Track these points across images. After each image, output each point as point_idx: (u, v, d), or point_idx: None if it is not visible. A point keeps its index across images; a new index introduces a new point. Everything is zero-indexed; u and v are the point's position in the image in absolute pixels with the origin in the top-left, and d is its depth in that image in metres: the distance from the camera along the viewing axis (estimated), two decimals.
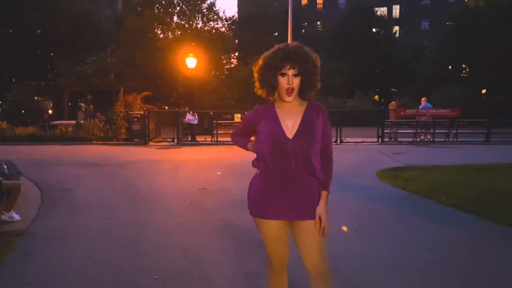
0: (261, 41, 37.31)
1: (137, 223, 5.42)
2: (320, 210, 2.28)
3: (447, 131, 16.59)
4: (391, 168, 9.89)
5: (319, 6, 53.05)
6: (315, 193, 2.30)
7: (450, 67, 34.41)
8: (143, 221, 5.51)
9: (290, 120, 2.28)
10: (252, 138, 2.57)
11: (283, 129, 2.25)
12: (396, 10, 55.27)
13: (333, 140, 7.18)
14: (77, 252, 4.34)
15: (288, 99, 2.23)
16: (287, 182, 2.27)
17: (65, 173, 9.41)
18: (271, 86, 2.26)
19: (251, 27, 37.65)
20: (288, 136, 2.23)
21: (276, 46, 2.26)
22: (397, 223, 5.36)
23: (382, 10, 49.22)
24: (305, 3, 48.91)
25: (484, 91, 32.07)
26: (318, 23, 45.08)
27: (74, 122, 20.01)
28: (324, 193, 2.31)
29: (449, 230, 5.04)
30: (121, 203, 6.60)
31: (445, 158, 11.87)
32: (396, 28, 49.14)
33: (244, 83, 30.26)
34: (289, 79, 2.19)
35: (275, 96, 2.31)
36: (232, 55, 36.79)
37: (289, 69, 2.18)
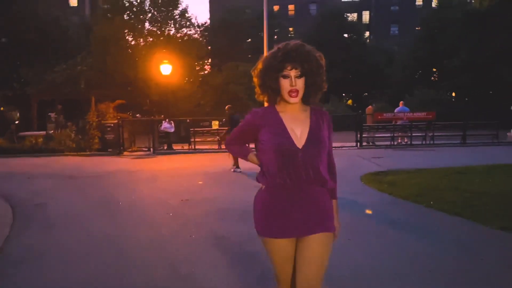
0: (234, 48, 37.25)
1: (119, 238, 5.10)
2: (336, 222, 2.20)
3: (424, 134, 16.79)
4: (374, 172, 9.83)
5: (291, 12, 53.44)
6: (326, 204, 2.14)
7: (421, 71, 35.11)
8: (125, 235, 5.20)
9: (298, 127, 2.09)
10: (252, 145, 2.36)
11: (291, 138, 2.05)
12: (366, 15, 56.23)
13: None
14: (55, 273, 4.01)
15: (293, 100, 2.04)
16: (298, 196, 2.07)
17: (37, 187, 8.94)
18: (273, 90, 2.07)
19: (224, 33, 37.49)
20: (297, 145, 2.04)
21: (275, 47, 2.08)
22: (390, 230, 5.22)
23: (352, 16, 49.97)
24: (277, 10, 49.13)
25: (453, 94, 32.85)
26: (291, 29, 45.31)
27: (44, 133, 19.28)
28: (335, 202, 2.22)
29: (443, 236, 4.94)
30: (99, 217, 6.24)
31: (424, 161, 11.94)
32: (367, 33, 49.96)
33: (219, 89, 30.04)
34: (291, 81, 2.01)
35: (278, 102, 2.13)
36: (206, 62, 36.47)
37: (290, 69, 2.01)
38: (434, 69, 34.73)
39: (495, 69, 26.52)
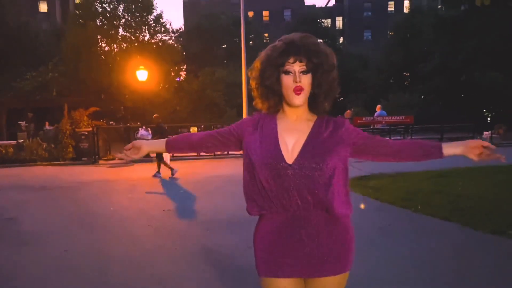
0: (210, 53, 37.02)
1: (99, 253, 4.80)
2: (474, 142, 1.68)
3: (402, 137, 16.94)
4: (357, 177, 9.75)
5: (266, 18, 53.57)
6: (341, 236, 1.69)
7: (395, 75, 35.67)
8: (105, 251, 4.90)
9: (292, 137, 1.66)
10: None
11: (280, 149, 1.63)
12: (339, 21, 56.90)
13: None
14: None
15: (297, 100, 1.63)
16: (298, 227, 1.65)
17: (7, 200, 8.48)
18: (274, 93, 1.67)
19: (199, 39, 37.20)
20: (287, 160, 1.61)
21: (276, 40, 1.72)
22: (381, 237, 5.10)
23: (326, 22, 50.47)
24: (252, 16, 49.18)
25: (427, 97, 33.43)
26: (266, 34, 45.39)
27: (14, 142, 18.54)
28: (441, 145, 1.70)
29: (435, 242, 4.85)
30: (76, 231, 5.91)
31: (405, 164, 11.89)
32: (341, 39, 50.54)
33: (196, 95, 29.71)
34: (296, 76, 1.61)
35: (279, 110, 1.74)
36: (181, 68, 36.10)
37: (293, 62, 1.61)
38: (407, 74, 35.30)
39: (467, 73, 27.13)
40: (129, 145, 1.89)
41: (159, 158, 11.44)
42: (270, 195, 1.63)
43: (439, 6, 32.56)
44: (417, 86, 31.61)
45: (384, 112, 17.89)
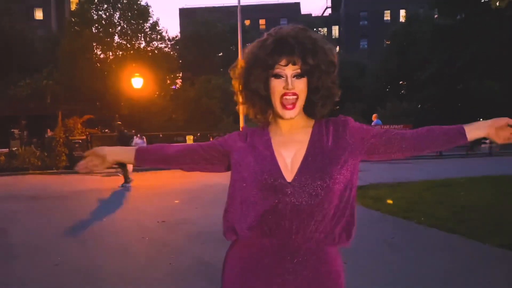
0: (206, 61, 36.96)
1: (91, 268, 4.57)
2: (500, 121, 1.42)
3: None
4: None
5: (262, 27, 53.61)
6: (328, 284, 1.39)
7: (392, 84, 35.71)
8: (98, 265, 4.67)
9: (290, 151, 1.39)
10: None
11: (278, 165, 1.36)
12: (335, 30, 57.10)
13: None
14: None
15: (288, 113, 1.35)
16: (281, 258, 1.36)
17: None
18: (260, 98, 1.39)
19: (195, 47, 37.15)
20: (286, 177, 1.34)
21: (265, 34, 1.42)
22: (386, 251, 4.90)
23: (323, 31, 50.61)
24: (249, 24, 49.25)
25: (423, 106, 33.46)
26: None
27: (6, 150, 18.26)
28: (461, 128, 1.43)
29: (442, 256, 4.65)
30: (68, 243, 5.67)
31: (403, 174, 11.81)
32: (337, 48, 50.68)
33: (192, 103, 29.55)
34: (287, 81, 1.33)
35: (269, 117, 1.44)
36: (177, 75, 35.99)
37: (286, 65, 1.33)
38: (403, 82, 35.36)
39: (464, 81, 27.16)
40: (89, 152, 1.54)
41: (122, 164, 10.75)
42: (260, 218, 1.33)
43: (436, 16, 32.68)
44: (414, 94, 31.64)
45: (380, 121, 17.77)
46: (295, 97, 1.34)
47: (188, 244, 5.42)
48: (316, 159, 1.34)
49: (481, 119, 20.24)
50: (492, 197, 7.53)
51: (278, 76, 1.34)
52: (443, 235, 5.46)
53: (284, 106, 1.35)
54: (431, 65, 29.08)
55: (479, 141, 17.72)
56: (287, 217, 1.31)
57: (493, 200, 7.29)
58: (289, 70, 1.33)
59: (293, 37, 1.34)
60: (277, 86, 1.34)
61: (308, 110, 1.43)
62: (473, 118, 28.99)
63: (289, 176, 1.33)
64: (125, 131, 11.20)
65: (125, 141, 11.10)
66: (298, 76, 1.34)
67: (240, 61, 1.43)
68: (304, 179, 1.32)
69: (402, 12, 50.77)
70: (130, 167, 11.31)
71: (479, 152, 16.88)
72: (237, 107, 1.52)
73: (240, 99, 1.46)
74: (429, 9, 32.72)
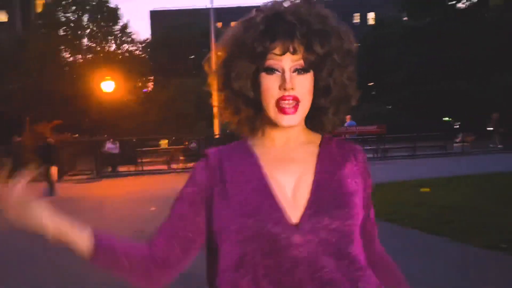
0: (178, 64, 36.53)
1: (67, 284, 4.29)
2: None
3: (375, 147, 16.99)
4: None
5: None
6: None
7: (362, 86, 36.20)
8: (73, 281, 4.39)
9: (288, 174, 0.98)
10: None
11: (274, 198, 0.94)
12: None
13: None
14: None
15: (287, 119, 0.95)
16: None
17: None
18: (246, 101, 1.00)
19: (167, 49, 36.68)
20: (290, 216, 0.92)
21: (254, 10, 1.02)
22: None
23: None
24: (221, 27, 49.08)
25: (393, 107, 34.06)
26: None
27: None
28: None
29: (433, 258, 4.59)
30: (39, 259, 5.34)
31: (379, 174, 11.72)
32: None
33: (165, 106, 29.12)
34: (284, 78, 0.93)
35: (258, 128, 1.04)
36: (149, 78, 35.48)
37: (281, 54, 0.93)
38: (372, 83, 35.92)
39: (433, 82, 27.77)
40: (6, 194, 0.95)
41: (47, 170, 9.66)
42: (256, 276, 0.91)
43: (405, 18, 33.35)
44: (385, 96, 32.17)
45: (354, 122, 17.97)
46: (295, 102, 0.93)
47: None
48: (329, 189, 0.95)
49: (449, 119, 20.76)
50: (470, 197, 7.59)
51: (271, 70, 0.93)
52: (427, 237, 5.44)
53: (281, 110, 0.93)
54: (402, 67, 29.65)
55: (451, 140, 18.11)
56: (299, 277, 0.90)
57: (472, 200, 7.34)
58: (287, 62, 0.93)
59: (292, 13, 0.94)
60: (269, 85, 0.93)
61: (314, 120, 1.03)
62: (442, 118, 29.61)
63: (294, 213, 0.92)
64: (49, 140, 9.84)
65: (49, 154, 9.62)
66: (300, 70, 0.94)
67: (218, 50, 1.02)
68: (317, 220, 0.91)
69: (371, 15, 51.68)
70: (55, 174, 10.30)
71: (452, 151, 17.22)
72: (214, 104, 1.09)
73: (218, 102, 1.04)
74: (398, 12, 33.38)
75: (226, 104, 1.03)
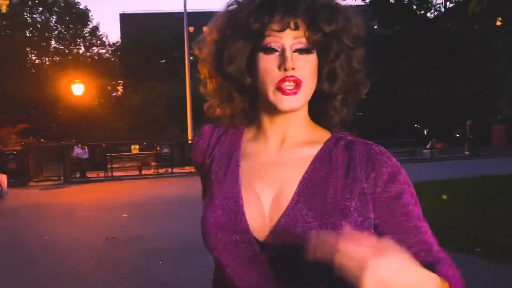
0: (149, 68, 36.12)
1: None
2: None
3: None
4: None
5: (201, 38, 53.48)
6: None
7: None
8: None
9: (271, 182, 0.86)
10: None
11: (242, 210, 0.84)
12: None
13: None
14: None
15: (288, 101, 0.81)
16: None
17: None
18: (241, 87, 0.88)
19: (138, 53, 36.22)
20: (256, 232, 0.82)
21: None
22: None
23: None
24: (193, 31, 48.88)
25: (362, 113, 34.67)
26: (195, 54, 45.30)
27: None
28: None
29: None
30: (6, 267, 5.12)
31: None
32: None
33: (135, 111, 28.66)
34: (285, 56, 0.80)
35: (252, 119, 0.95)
36: (119, 82, 34.88)
37: (281, 30, 0.80)
38: None
39: (402, 90, 28.44)
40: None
41: None
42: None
43: (375, 26, 34.07)
44: (357, 102, 32.66)
45: None
46: (296, 83, 0.81)
47: (143, 263, 5.05)
48: (312, 201, 0.80)
49: (418, 126, 21.29)
50: (442, 202, 7.75)
51: (269, 49, 0.81)
52: None
53: (282, 90, 0.81)
54: (372, 74, 30.23)
55: (421, 146, 18.55)
56: None
57: (442, 205, 7.50)
58: (288, 39, 0.81)
59: None
60: (268, 66, 0.81)
61: (319, 112, 0.91)
62: (411, 124, 30.36)
63: (262, 229, 0.81)
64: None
65: None
66: (302, 50, 0.81)
67: (210, 31, 0.90)
68: (284, 238, 0.79)
69: None
70: (3, 181, 10.05)
71: (421, 157, 17.61)
72: (205, 106, 0.94)
73: (209, 91, 0.92)
74: (369, 20, 34.06)
75: (218, 93, 0.90)
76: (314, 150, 0.86)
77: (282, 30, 0.79)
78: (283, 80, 0.80)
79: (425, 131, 30.88)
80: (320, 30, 0.80)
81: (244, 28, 0.82)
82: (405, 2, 29.13)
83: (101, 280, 4.47)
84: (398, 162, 0.85)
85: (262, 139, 0.89)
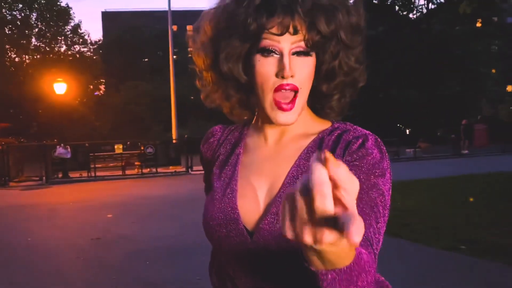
0: (132, 67, 35.78)
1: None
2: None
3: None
4: None
5: (190, 33, 53.03)
6: None
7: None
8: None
9: (267, 175, 0.88)
10: None
11: (235, 204, 0.86)
12: None
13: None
14: None
15: (284, 117, 0.83)
16: None
17: None
18: (237, 86, 0.89)
19: (120, 52, 35.82)
20: (246, 222, 0.85)
21: None
22: None
23: None
24: (176, 30, 48.54)
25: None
26: (190, 49, 44.98)
27: None
28: None
29: (391, 262, 4.67)
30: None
31: None
32: None
33: (118, 110, 28.33)
34: (284, 64, 0.79)
35: (254, 112, 0.95)
36: (101, 81, 34.44)
37: (280, 33, 0.79)
38: None
39: (385, 91, 28.73)
40: None
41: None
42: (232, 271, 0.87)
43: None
44: None
45: None
46: (293, 92, 0.81)
47: (129, 264, 4.98)
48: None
49: (401, 126, 21.54)
50: (426, 201, 7.84)
51: (267, 51, 0.80)
52: (388, 240, 5.53)
53: (278, 105, 0.81)
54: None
55: (404, 145, 18.74)
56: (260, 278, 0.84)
57: (427, 204, 7.59)
58: (286, 43, 0.79)
59: None
60: (265, 71, 0.80)
61: (316, 109, 0.92)
62: (393, 124, 30.74)
63: (251, 220, 0.84)
64: None
65: None
66: (301, 53, 0.80)
67: (205, 25, 0.89)
68: (270, 228, 0.81)
69: None
70: None
71: (404, 156, 17.80)
72: (202, 96, 0.94)
73: (206, 85, 0.91)
74: None
75: (214, 88, 0.91)
76: (308, 141, 0.88)
77: (281, 34, 0.79)
78: (280, 87, 0.80)
79: (407, 131, 31.27)
80: (319, 31, 0.80)
81: (242, 28, 0.80)
82: (388, 3, 29.45)
83: (88, 281, 4.39)
84: (387, 159, 0.84)
85: (262, 134, 0.91)
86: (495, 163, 12.96)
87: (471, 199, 5.79)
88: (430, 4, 30.53)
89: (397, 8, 30.65)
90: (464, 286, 3.92)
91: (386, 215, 0.82)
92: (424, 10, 31.04)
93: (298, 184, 0.47)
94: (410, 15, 31.47)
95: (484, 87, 29.29)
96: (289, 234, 0.48)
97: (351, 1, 0.86)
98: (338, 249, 0.51)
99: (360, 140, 0.83)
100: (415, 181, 9.78)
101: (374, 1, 29.86)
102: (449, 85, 26.97)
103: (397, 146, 17.49)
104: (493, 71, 32.54)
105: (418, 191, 8.85)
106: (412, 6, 30.88)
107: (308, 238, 0.47)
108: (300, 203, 0.46)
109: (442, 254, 4.83)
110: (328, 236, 0.46)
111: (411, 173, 12.32)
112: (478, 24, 28.22)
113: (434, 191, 8.70)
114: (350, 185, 0.46)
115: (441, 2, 29.85)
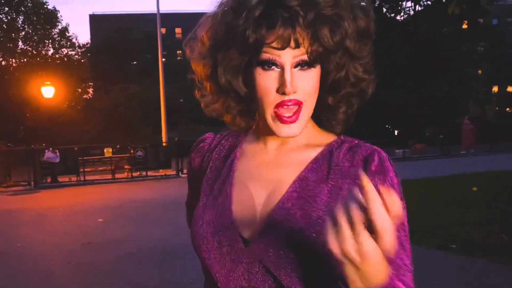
0: (120, 70, 35.56)
1: None
2: None
3: None
4: None
5: (178, 35, 52.99)
6: None
7: None
8: None
9: (266, 182, 0.83)
10: None
11: (229, 207, 0.82)
12: None
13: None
14: None
15: (287, 129, 0.77)
16: None
17: None
18: (237, 98, 0.85)
19: (108, 55, 35.58)
20: (243, 231, 0.79)
21: None
22: None
23: None
24: (164, 32, 48.38)
25: None
26: (179, 52, 44.88)
27: None
28: None
29: None
30: None
31: None
32: None
33: (107, 113, 28.12)
34: (285, 78, 0.74)
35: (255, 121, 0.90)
36: (89, 84, 34.17)
37: (281, 47, 0.73)
38: None
39: (375, 92, 28.96)
40: None
41: None
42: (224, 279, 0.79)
43: None
44: None
45: None
46: (296, 106, 0.76)
47: (121, 267, 4.96)
48: (303, 201, 0.77)
49: (389, 127, 21.66)
50: (416, 200, 7.90)
51: (268, 64, 0.75)
52: None
53: (280, 118, 0.77)
54: None
55: (395, 146, 18.88)
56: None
57: (418, 202, 7.64)
58: (288, 57, 0.74)
59: None
60: (266, 86, 0.76)
61: (321, 121, 0.87)
62: (382, 125, 30.89)
63: (247, 228, 0.79)
64: None
65: None
66: (303, 64, 0.76)
67: (202, 35, 0.84)
68: (270, 238, 0.76)
69: None
70: None
71: (393, 157, 17.94)
72: (202, 104, 0.91)
73: (204, 95, 0.88)
74: None
75: (214, 99, 0.86)
76: (314, 152, 0.83)
77: (282, 48, 0.73)
78: (281, 103, 0.76)
79: (396, 132, 31.50)
80: (322, 44, 0.74)
81: (241, 40, 0.75)
82: (376, 5, 29.69)
83: (79, 286, 4.36)
84: (396, 175, 0.82)
85: (262, 141, 0.86)
86: (483, 163, 13.13)
87: (475, 189, 5.88)
88: (417, 6, 30.86)
89: (384, 10, 30.91)
90: (455, 284, 3.97)
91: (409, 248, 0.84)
92: (411, 12, 31.36)
93: (350, 201, 0.53)
94: (398, 17, 31.77)
95: (471, 88, 29.63)
96: (335, 248, 0.53)
97: (359, 4, 0.79)
98: (375, 263, 0.55)
99: (377, 159, 0.79)
100: (405, 181, 9.80)
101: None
102: (436, 86, 27.26)
103: (386, 147, 17.61)
104: (480, 72, 32.98)
105: (408, 191, 8.84)
106: (399, 8, 31.17)
107: (353, 253, 0.52)
108: (354, 219, 0.52)
109: (433, 253, 4.87)
110: (370, 248, 0.52)
111: (400, 173, 12.42)
112: (465, 26, 28.58)
113: (424, 191, 8.77)
114: (398, 211, 0.52)
115: (428, 4, 30.17)
